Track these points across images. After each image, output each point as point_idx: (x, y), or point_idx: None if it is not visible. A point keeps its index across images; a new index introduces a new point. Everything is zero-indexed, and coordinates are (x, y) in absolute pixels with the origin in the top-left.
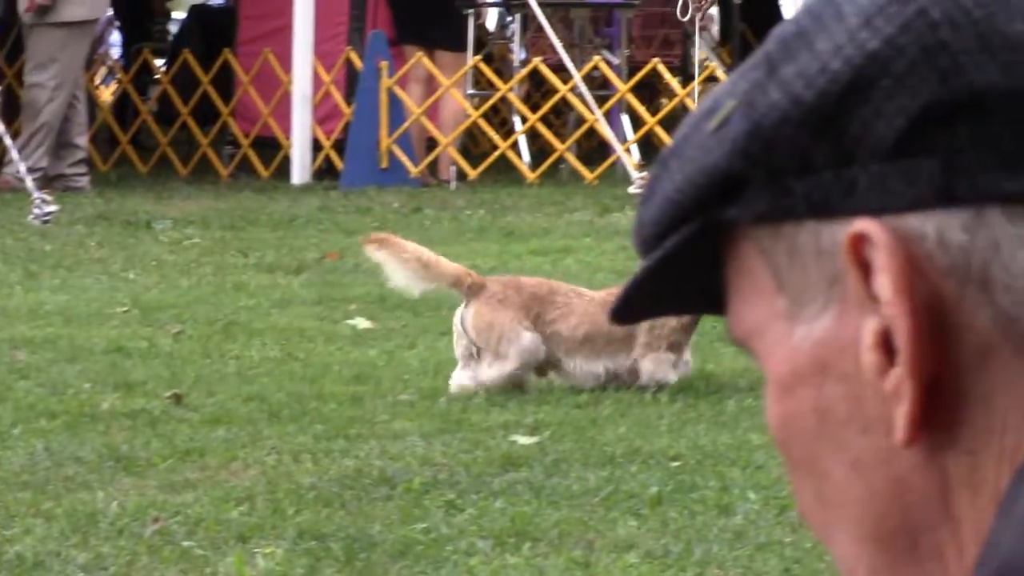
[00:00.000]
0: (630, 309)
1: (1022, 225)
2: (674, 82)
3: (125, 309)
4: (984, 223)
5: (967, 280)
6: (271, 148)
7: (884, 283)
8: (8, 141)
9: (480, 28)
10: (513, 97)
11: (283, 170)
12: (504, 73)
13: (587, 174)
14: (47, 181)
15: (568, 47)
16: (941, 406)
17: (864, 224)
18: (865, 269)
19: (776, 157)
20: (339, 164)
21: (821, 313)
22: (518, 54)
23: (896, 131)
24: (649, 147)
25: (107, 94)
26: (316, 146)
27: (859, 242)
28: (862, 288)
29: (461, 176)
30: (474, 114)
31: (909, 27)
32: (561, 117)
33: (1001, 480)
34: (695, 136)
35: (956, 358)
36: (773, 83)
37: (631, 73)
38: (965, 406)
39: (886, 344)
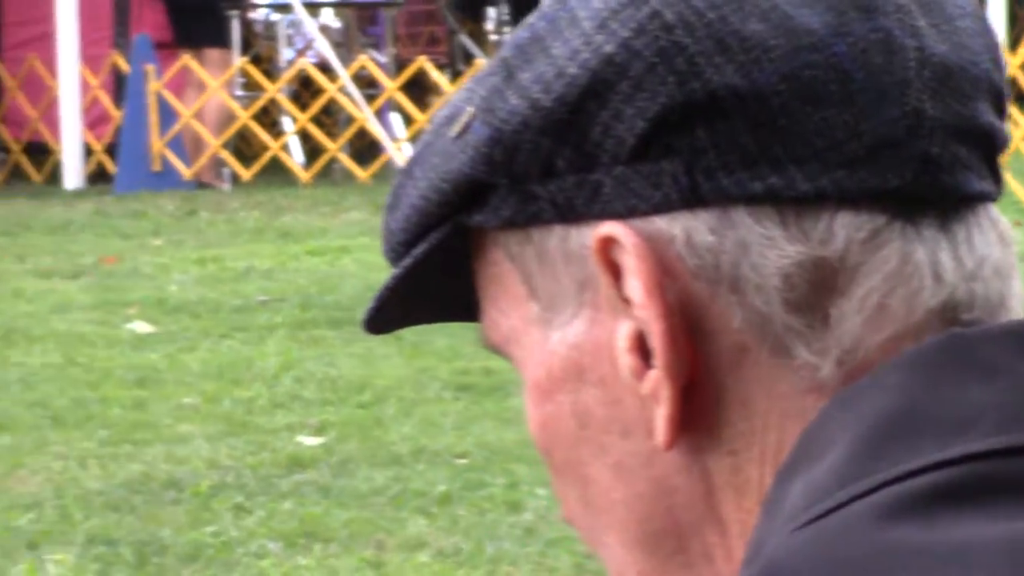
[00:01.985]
0: (382, 319)
1: (769, 225)
2: (441, 79)
3: None
4: (731, 224)
5: (718, 281)
6: (42, 153)
7: (634, 286)
8: None
9: (247, 29)
10: (281, 98)
11: (55, 175)
12: (273, 74)
13: (360, 173)
14: None
15: (335, 46)
16: (700, 408)
17: (611, 227)
18: (615, 272)
19: (519, 163)
20: (112, 168)
21: (574, 318)
22: (284, 55)
23: (637, 134)
24: None
25: None
26: (88, 151)
27: (607, 245)
28: (614, 291)
29: (234, 178)
30: (243, 115)
31: (644, 30)
32: (332, 116)
33: (765, 480)
34: (438, 142)
35: (712, 359)
36: (511, 89)
37: (398, 71)
38: (724, 407)
39: (641, 347)
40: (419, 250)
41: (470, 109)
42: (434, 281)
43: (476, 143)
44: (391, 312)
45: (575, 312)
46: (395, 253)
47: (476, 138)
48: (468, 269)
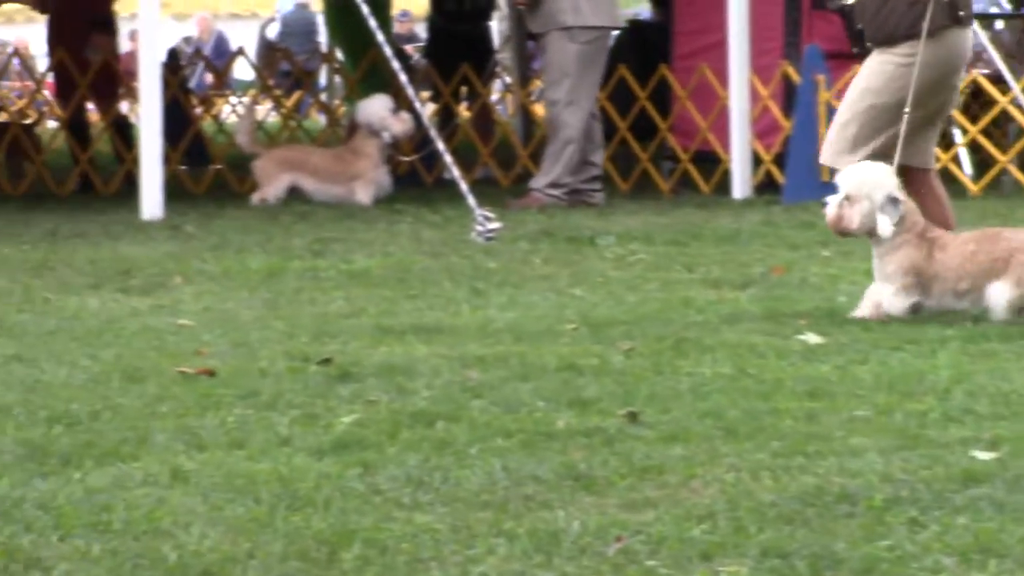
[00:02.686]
0: None
1: None
2: None
3: (574, 326)
4: None
5: None
6: (710, 163)
7: None
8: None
9: None
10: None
11: (723, 185)
12: None
13: None
14: (571, 196)
15: (1006, 58)
16: None
17: None
18: None
19: None
20: (780, 178)
21: None
22: None
23: None
24: None
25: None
26: (756, 160)
27: None
28: None
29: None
30: None
31: None
32: (1000, 128)
33: None
34: None
35: None
36: None
37: None
38: None
39: None
40: None
41: None
42: None
43: None
44: None
45: None
46: None
47: None
48: None
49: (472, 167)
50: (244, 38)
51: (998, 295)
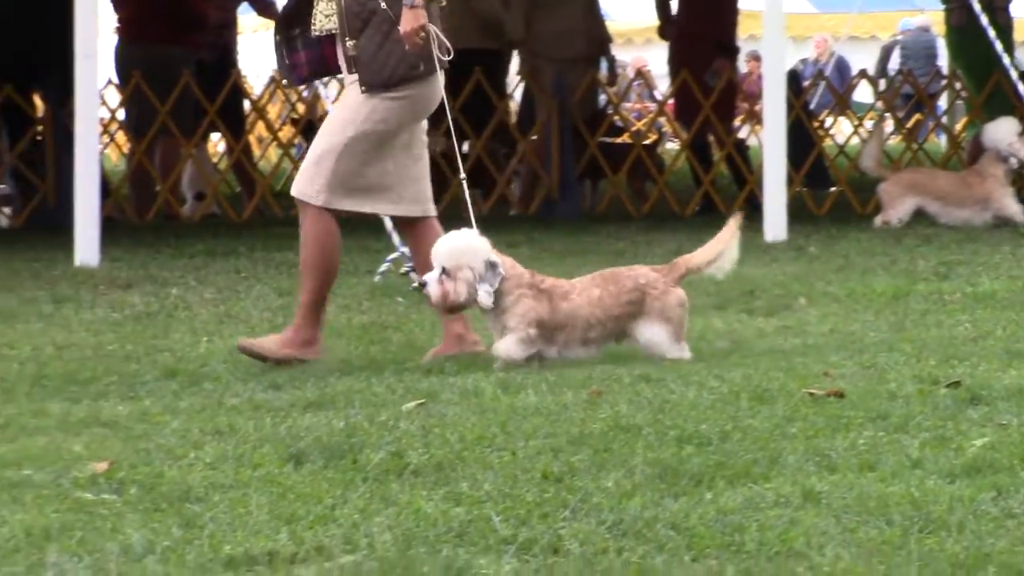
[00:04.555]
0: None
1: None
2: None
3: None
4: None
5: None
6: None
7: None
8: None
9: None
10: None
11: None
12: None
13: None
14: None
15: None
16: None
17: None
18: None
19: None
20: None
21: None
22: None
23: None
24: None
25: None
26: None
27: None
28: None
29: None
30: None
31: None
32: None
33: None
34: None
35: None
36: None
37: None
38: None
39: None
40: None
41: None
42: None
43: None
44: None
45: None
46: None
47: None
48: None
49: None
50: (862, 61)
51: (654, 334)
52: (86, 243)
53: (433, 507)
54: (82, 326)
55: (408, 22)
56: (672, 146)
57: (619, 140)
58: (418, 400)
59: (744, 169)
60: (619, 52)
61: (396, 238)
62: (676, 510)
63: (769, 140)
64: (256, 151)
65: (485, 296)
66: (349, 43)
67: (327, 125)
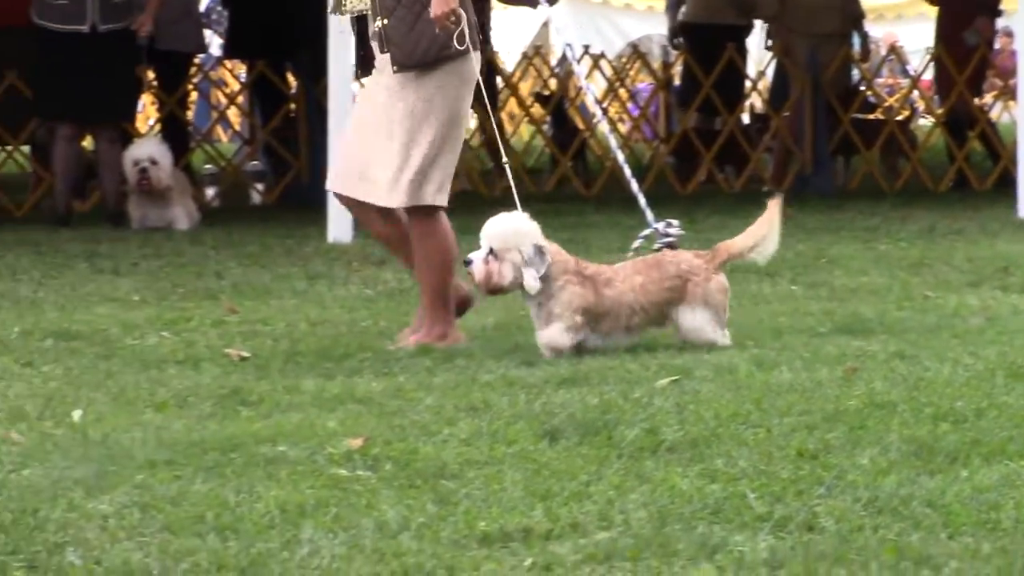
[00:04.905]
0: None
1: None
2: None
3: None
4: None
5: None
6: None
7: None
8: None
9: None
10: None
11: None
12: None
13: None
14: None
15: None
16: None
17: None
18: None
19: None
20: None
21: None
22: None
23: None
24: None
25: None
26: None
27: None
28: None
29: None
30: None
31: None
32: None
33: None
34: None
35: None
36: None
37: None
38: None
39: None
40: None
41: None
42: None
43: None
44: None
45: None
46: None
47: None
48: None
49: None
50: None
51: (693, 319)
52: (339, 220)
53: (688, 484)
54: (335, 302)
55: (439, 5)
56: (924, 122)
57: (872, 116)
58: (672, 377)
59: (998, 145)
60: (870, 28)
61: (649, 214)
62: (932, 488)
63: (1023, 116)
64: (508, 128)
65: (532, 280)
66: (379, 22)
67: (379, 128)
